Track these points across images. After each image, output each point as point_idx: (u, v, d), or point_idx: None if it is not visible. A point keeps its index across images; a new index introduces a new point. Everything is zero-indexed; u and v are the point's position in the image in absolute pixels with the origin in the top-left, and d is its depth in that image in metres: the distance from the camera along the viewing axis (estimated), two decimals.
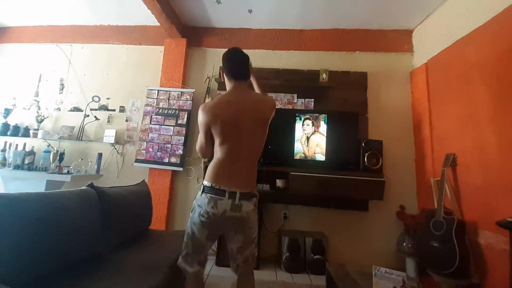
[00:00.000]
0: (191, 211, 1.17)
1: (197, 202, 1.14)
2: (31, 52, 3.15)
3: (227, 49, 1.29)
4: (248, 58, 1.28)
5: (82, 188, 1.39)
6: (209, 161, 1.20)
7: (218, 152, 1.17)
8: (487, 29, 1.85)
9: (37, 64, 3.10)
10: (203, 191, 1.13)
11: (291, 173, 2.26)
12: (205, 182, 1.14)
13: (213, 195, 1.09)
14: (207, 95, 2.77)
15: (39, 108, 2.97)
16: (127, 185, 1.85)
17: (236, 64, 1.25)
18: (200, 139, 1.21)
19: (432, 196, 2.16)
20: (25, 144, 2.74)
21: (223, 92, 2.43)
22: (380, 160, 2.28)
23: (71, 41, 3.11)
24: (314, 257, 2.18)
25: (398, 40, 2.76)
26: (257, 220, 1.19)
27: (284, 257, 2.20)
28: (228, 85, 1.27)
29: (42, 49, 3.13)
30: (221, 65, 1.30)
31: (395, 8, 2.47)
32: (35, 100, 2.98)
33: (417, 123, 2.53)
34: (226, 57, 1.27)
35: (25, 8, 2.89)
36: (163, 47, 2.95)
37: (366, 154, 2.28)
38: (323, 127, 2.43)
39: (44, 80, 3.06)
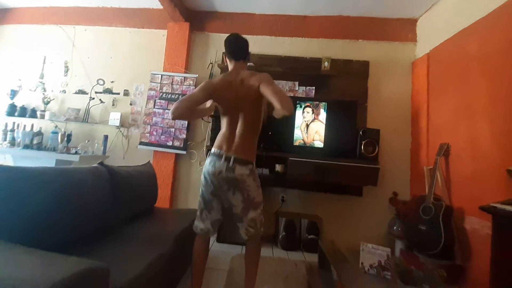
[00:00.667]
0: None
1: (204, 167, 1.36)
2: (34, 34, 3.15)
3: (230, 34, 1.44)
4: (247, 42, 1.44)
5: (94, 165, 1.48)
6: (176, 119, 1.30)
7: (222, 125, 1.39)
8: (488, 21, 1.86)
9: (41, 45, 3.12)
10: (208, 156, 1.37)
11: (290, 158, 2.35)
12: (211, 150, 1.36)
13: (214, 157, 1.31)
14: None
15: (44, 90, 3.03)
16: (134, 165, 1.95)
17: (236, 46, 1.42)
18: (193, 95, 1.31)
19: (424, 183, 2.26)
20: (32, 125, 2.83)
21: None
22: (377, 148, 2.35)
23: (74, 23, 3.10)
24: (309, 236, 2.33)
25: (402, 29, 2.75)
26: (257, 187, 1.33)
27: (280, 236, 2.34)
28: (229, 66, 1.43)
29: (45, 31, 3.14)
30: (224, 50, 1.45)
31: None
32: (41, 82, 3.03)
33: (415, 113, 2.58)
34: (228, 40, 1.44)
35: None
36: (166, 31, 2.95)
37: (363, 142, 2.35)
38: (322, 115, 2.49)
39: (49, 62, 3.09)
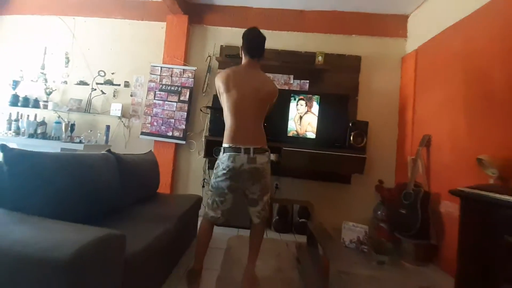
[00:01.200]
0: (215, 168, 1.43)
1: (220, 161, 1.39)
2: (35, 25, 3.19)
3: (250, 28, 1.49)
4: (265, 39, 1.48)
5: (103, 152, 1.62)
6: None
7: (229, 117, 1.39)
8: (471, 20, 1.98)
9: (41, 36, 3.16)
10: (224, 151, 1.38)
11: (284, 148, 2.50)
12: (225, 144, 1.38)
13: (232, 152, 1.34)
14: (208, 74, 2.91)
15: (46, 81, 3.10)
16: (138, 153, 2.09)
17: (254, 43, 1.46)
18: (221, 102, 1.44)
19: (407, 172, 2.44)
20: (36, 115, 2.93)
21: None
22: (365, 139, 2.52)
23: (74, 14, 3.14)
24: (300, 220, 2.52)
25: (394, 25, 2.86)
26: (269, 171, 1.44)
27: (274, 220, 2.53)
28: (243, 60, 1.47)
29: (46, 22, 3.17)
30: (242, 39, 1.48)
31: None
32: (42, 73, 3.09)
33: (402, 106, 2.74)
34: (247, 35, 1.47)
35: None
36: (165, 23, 3.01)
37: (353, 133, 2.51)
38: (315, 107, 2.62)
39: (50, 53, 3.15)
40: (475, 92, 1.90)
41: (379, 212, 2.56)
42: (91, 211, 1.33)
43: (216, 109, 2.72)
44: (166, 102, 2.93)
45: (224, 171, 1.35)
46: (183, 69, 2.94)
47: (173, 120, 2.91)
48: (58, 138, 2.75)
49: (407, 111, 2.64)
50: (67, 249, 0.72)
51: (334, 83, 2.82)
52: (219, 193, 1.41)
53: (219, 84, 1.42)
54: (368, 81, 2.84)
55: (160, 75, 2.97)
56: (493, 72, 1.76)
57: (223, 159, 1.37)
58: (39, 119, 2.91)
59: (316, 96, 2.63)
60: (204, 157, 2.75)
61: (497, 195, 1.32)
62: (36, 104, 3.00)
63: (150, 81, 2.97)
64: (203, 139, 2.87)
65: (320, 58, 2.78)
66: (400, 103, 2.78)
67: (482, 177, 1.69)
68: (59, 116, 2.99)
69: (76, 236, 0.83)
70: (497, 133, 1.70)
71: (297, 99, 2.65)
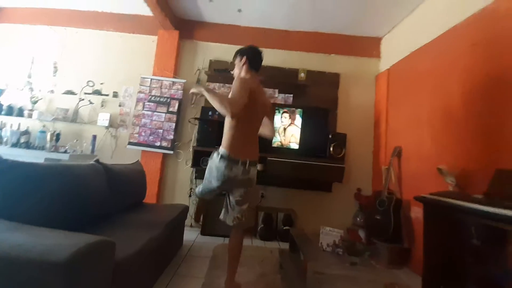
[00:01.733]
0: (208, 169, 1.51)
1: (215, 164, 1.44)
2: (24, 33, 3.19)
3: (253, 46, 1.63)
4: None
5: (91, 162, 1.67)
6: (238, 114, 1.32)
7: (235, 127, 1.43)
8: (433, 45, 2.26)
9: (30, 45, 3.17)
10: (221, 158, 1.42)
11: (269, 158, 2.63)
12: (223, 151, 1.43)
13: (229, 162, 1.41)
14: None
15: (32, 90, 3.09)
16: (125, 163, 2.14)
17: (260, 60, 1.62)
18: (241, 94, 1.35)
19: (382, 180, 2.64)
20: (19, 124, 2.89)
21: (213, 85, 2.77)
22: (343, 150, 2.70)
23: (65, 24, 3.19)
24: (284, 228, 2.62)
25: (369, 46, 3.15)
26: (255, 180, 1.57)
27: (259, 228, 2.62)
28: (247, 73, 1.56)
29: (36, 31, 3.19)
30: (236, 54, 1.62)
31: (369, 17, 2.79)
32: (28, 82, 3.08)
33: (377, 120, 2.98)
34: (255, 52, 1.60)
35: None
36: (156, 37, 3.13)
37: (332, 145, 2.69)
38: (298, 120, 2.80)
39: (37, 62, 3.15)
40: (437, 108, 2.14)
41: (358, 218, 2.72)
42: (81, 219, 1.38)
43: (205, 120, 2.83)
44: (155, 112, 3.00)
45: (220, 177, 1.42)
46: (173, 81, 3.05)
47: (162, 130, 2.97)
48: (42, 148, 2.73)
49: (381, 124, 2.88)
50: (63, 252, 0.79)
51: (315, 98, 3.03)
52: (210, 190, 1.55)
53: (246, 85, 1.40)
54: (346, 96, 3.07)
55: (149, 87, 3.05)
56: (452, 91, 2.01)
57: (219, 165, 1.42)
58: (23, 128, 2.87)
59: (299, 109, 2.82)
60: (191, 166, 2.82)
61: (452, 201, 1.50)
62: (20, 113, 2.97)
63: (140, 92, 3.04)
64: (191, 149, 2.94)
65: (302, 74, 2.99)
66: (375, 117, 3.02)
67: (445, 185, 1.89)
68: (44, 126, 2.97)
69: (70, 242, 0.89)
70: (455, 146, 1.93)
71: (281, 111, 2.82)
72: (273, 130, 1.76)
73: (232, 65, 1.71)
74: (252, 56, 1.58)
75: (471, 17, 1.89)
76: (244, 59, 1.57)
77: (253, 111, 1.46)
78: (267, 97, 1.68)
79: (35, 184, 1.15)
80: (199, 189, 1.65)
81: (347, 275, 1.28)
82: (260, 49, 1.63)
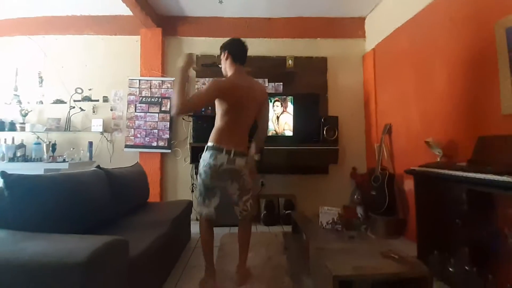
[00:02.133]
0: (199, 166, 1.52)
1: (203, 158, 1.50)
2: (4, 46, 3.11)
3: (234, 39, 1.59)
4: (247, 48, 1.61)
5: (92, 169, 1.71)
6: (180, 116, 1.41)
7: (221, 121, 1.49)
8: (415, 22, 2.29)
9: (12, 58, 3.10)
10: (207, 149, 1.48)
11: (265, 147, 2.69)
12: (209, 143, 1.48)
13: (214, 151, 1.45)
14: (186, 83, 3.02)
15: (20, 103, 3.05)
16: (125, 166, 2.18)
17: (244, 51, 1.57)
18: (199, 98, 1.42)
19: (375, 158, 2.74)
20: (13, 138, 2.88)
21: (202, 80, 2.75)
22: (336, 132, 2.78)
23: (44, 32, 3.11)
24: (286, 212, 2.74)
25: (353, 27, 3.16)
26: (248, 174, 1.55)
27: (262, 215, 2.73)
28: (231, 67, 1.55)
29: (15, 42, 3.11)
30: (220, 49, 1.58)
31: None
32: (16, 95, 3.04)
33: (367, 100, 3.05)
34: (236, 45, 1.56)
35: None
36: (139, 36, 3.09)
37: (325, 128, 2.77)
38: (290, 107, 2.85)
39: (22, 74, 3.09)
40: (422, 84, 2.21)
41: (355, 196, 2.84)
42: (88, 224, 1.43)
43: (198, 116, 2.86)
44: (147, 113, 3.02)
45: (206, 168, 1.46)
46: (162, 80, 3.04)
47: (157, 130, 3.00)
48: (39, 159, 2.74)
49: (371, 104, 2.95)
50: (82, 253, 0.85)
51: (305, 84, 3.06)
52: (207, 190, 1.51)
53: (217, 88, 1.43)
54: (335, 79, 3.12)
55: (139, 88, 3.04)
56: (434, 67, 2.07)
57: (205, 157, 1.48)
58: (17, 142, 2.87)
59: (290, 97, 2.86)
60: (190, 163, 2.88)
61: (438, 170, 1.60)
62: (12, 127, 2.95)
63: (130, 94, 3.04)
64: (188, 146, 2.99)
65: (290, 61, 3.01)
66: (365, 97, 3.09)
67: (434, 157, 1.99)
68: (38, 137, 2.96)
69: (86, 243, 0.96)
70: (440, 119, 2.01)
71: (273, 101, 2.86)
72: (265, 129, 1.70)
73: (219, 59, 1.69)
74: (234, 49, 1.55)
75: None
76: (226, 54, 1.56)
77: (237, 105, 1.47)
78: (260, 90, 1.59)
79: (41, 195, 1.19)
80: (197, 208, 1.59)
81: (346, 248, 1.39)
82: (243, 39, 1.59)
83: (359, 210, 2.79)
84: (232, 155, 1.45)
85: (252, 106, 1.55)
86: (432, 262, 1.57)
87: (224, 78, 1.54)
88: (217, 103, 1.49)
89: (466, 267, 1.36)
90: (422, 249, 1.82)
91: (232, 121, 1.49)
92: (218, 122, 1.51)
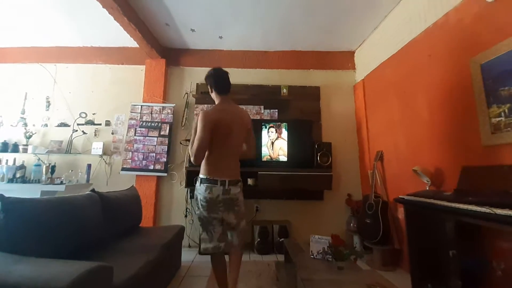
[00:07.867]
0: (195, 200, 1.54)
1: (198, 192, 1.51)
2: (15, 72, 3.34)
3: (211, 69, 1.62)
4: (228, 74, 1.63)
5: (87, 193, 1.75)
6: (198, 162, 1.47)
7: (211, 150, 1.49)
8: (398, 57, 2.48)
9: (22, 83, 3.30)
10: (201, 182, 1.50)
11: (259, 172, 2.74)
12: (202, 175, 1.50)
13: (209, 184, 1.47)
14: (186, 109, 3.18)
15: (26, 125, 3.18)
16: (120, 190, 2.21)
17: (223, 83, 1.60)
18: (202, 138, 1.43)
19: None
20: (15, 159, 2.95)
21: (201, 106, 2.88)
22: (330, 158, 2.84)
23: (55, 61, 3.35)
24: (280, 239, 2.68)
25: (344, 60, 3.38)
26: (243, 199, 1.61)
27: (256, 242, 2.67)
28: (217, 97, 1.62)
29: (27, 69, 3.34)
30: (205, 80, 1.64)
31: (340, 33, 3.01)
32: (22, 118, 3.19)
33: (359, 126, 3.15)
34: (214, 77, 1.59)
35: (9, 30, 3.09)
36: (144, 66, 3.31)
37: (319, 154, 2.83)
38: (284, 133, 2.95)
39: (30, 98, 3.27)
40: (407, 114, 2.32)
41: (351, 224, 2.80)
42: (80, 247, 1.44)
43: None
44: (146, 137, 3.12)
45: (202, 202, 1.48)
46: (163, 106, 3.19)
47: (154, 154, 3.08)
48: (38, 181, 2.78)
49: (363, 131, 3.04)
50: (65, 279, 0.87)
51: (299, 110, 3.20)
52: (207, 221, 1.50)
53: (209, 120, 1.45)
54: (328, 106, 3.26)
55: (140, 113, 3.18)
56: (417, 98, 2.19)
57: (200, 190, 1.49)
58: (18, 163, 2.94)
59: (284, 123, 2.97)
60: (185, 187, 2.90)
61: (423, 199, 1.62)
62: (15, 148, 3.05)
63: (131, 118, 3.17)
64: (184, 170, 3.04)
65: (284, 90, 3.18)
66: (357, 124, 3.19)
67: (423, 184, 2.02)
68: (38, 159, 3.04)
69: (71, 269, 0.98)
70: (426, 147, 2.08)
71: (267, 127, 2.97)
72: (251, 152, 1.71)
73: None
74: (215, 82, 1.58)
75: (424, 31, 2.11)
76: (210, 87, 1.63)
77: (224, 135, 1.50)
78: (245, 116, 1.64)
79: (35, 219, 1.23)
80: (202, 245, 1.54)
81: (333, 279, 1.36)
82: (221, 70, 1.59)
83: (356, 239, 2.73)
84: (227, 185, 1.49)
85: (240, 132, 1.59)
86: None
87: (210, 109, 1.55)
88: (202, 134, 1.48)
89: None
90: (416, 281, 1.76)
91: (223, 149, 1.52)
92: (208, 152, 1.51)
